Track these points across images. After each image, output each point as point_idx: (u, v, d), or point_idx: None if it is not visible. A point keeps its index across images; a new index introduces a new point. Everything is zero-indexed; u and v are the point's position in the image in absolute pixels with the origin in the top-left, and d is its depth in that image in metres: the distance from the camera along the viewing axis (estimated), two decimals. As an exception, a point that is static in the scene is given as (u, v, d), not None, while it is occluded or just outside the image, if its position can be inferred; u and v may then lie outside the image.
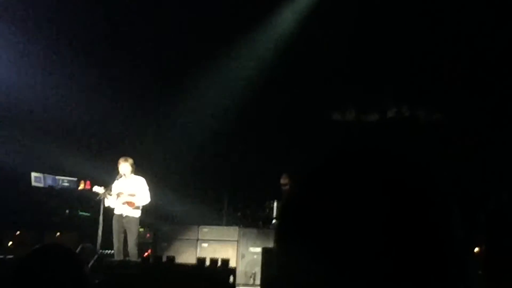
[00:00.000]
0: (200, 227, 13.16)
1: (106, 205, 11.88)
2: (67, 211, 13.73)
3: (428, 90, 14.23)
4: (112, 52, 14.24)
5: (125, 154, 12.08)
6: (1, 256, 11.53)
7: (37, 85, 13.65)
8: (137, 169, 12.02)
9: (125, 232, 11.84)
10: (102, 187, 11.93)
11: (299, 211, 1.00)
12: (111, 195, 11.82)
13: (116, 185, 11.88)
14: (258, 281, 11.85)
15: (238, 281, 11.11)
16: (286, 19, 14.80)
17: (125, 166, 11.84)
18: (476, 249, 10.90)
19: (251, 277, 12.30)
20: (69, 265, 2.65)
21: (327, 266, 0.94)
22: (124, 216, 11.85)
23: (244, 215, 13.93)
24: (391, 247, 0.92)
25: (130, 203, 11.82)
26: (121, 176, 11.81)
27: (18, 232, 12.50)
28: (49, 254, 2.68)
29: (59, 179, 14.14)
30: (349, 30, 13.80)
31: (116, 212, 11.89)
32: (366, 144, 1.03)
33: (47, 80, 13.83)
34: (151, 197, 12.03)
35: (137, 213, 11.92)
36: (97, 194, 11.95)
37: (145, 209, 12.11)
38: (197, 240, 13.05)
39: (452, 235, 0.97)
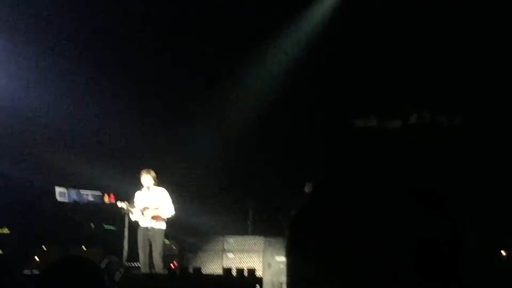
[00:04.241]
0: (225, 237, 13.12)
1: (133, 219, 11.92)
2: (92, 225, 13.76)
3: (448, 96, 14.18)
4: (132, 66, 14.30)
5: (147, 166, 12.09)
6: (28, 271, 11.62)
7: (58, 101, 13.69)
8: (160, 181, 12.02)
9: (150, 245, 11.84)
10: (125, 202, 11.96)
11: (309, 221, 1.01)
12: (134, 207, 11.84)
13: (139, 198, 11.90)
14: (285, 291, 11.77)
15: (265, 290, 11.05)
16: (307, 26, 14.81)
17: (147, 178, 11.83)
18: (504, 253, 10.83)
19: (278, 286, 12.24)
20: (88, 276, 2.69)
21: (336, 275, 0.94)
22: (149, 228, 11.85)
23: (269, 224, 13.87)
24: (404, 254, 0.93)
25: (156, 217, 11.83)
26: (143, 188, 11.84)
27: (44, 248, 12.55)
28: (68, 266, 2.74)
29: (83, 194, 14.18)
30: (371, 37, 13.80)
31: (141, 225, 11.90)
32: (388, 151, 1.06)
33: (67, 96, 13.88)
34: (175, 209, 12.03)
35: (162, 225, 11.92)
36: (121, 209, 11.99)
37: (169, 221, 12.09)
38: (223, 250, 13.00)
39: (463, 242, 0.97)
